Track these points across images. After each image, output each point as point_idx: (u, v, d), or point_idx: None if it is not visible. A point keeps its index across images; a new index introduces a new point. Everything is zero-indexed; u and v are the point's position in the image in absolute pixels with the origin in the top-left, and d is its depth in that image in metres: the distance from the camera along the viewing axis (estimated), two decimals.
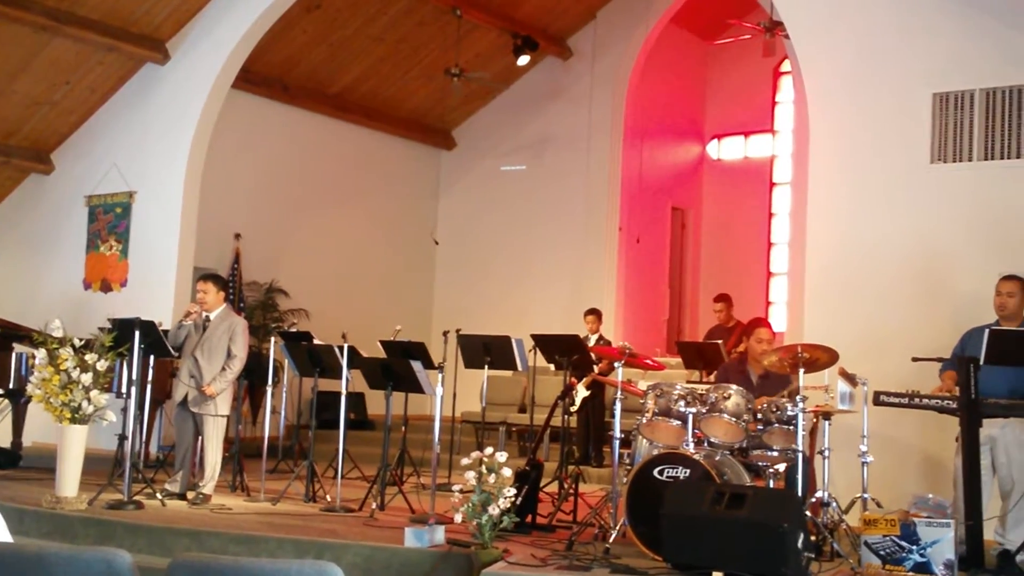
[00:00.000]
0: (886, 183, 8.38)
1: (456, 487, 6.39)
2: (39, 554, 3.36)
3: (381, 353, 9.18)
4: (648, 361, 7.80)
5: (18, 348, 9.97)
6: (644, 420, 6.85)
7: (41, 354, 7.81)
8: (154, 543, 6.86)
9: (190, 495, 8.18)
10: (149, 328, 8.06)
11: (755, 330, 7.51)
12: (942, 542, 5.87)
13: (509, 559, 6.07)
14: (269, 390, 9.13)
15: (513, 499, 6.21)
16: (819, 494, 6.67)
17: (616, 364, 7.23)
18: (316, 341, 9.69)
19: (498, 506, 6.09)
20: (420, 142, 15.80)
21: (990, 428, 6.54)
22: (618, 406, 6.99)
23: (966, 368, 6.38)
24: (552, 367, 9.47)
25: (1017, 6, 8.13)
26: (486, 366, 9.12)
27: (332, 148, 14.57)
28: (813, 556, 6.00)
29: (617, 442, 6.98)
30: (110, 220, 12.37)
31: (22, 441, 10.14)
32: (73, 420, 7.64)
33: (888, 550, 5.96)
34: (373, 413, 13.30)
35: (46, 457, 9.01)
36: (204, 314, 8.38)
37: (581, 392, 10.63)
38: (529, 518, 7.27)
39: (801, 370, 6.56)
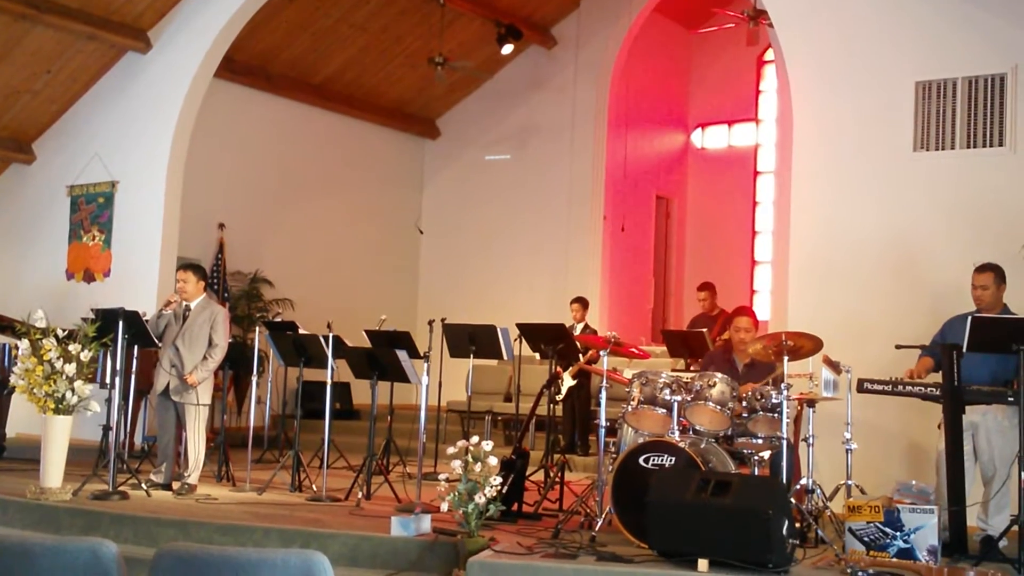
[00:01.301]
0: (869, 171, 8.41)
1: (442, 476, 6.39)
2: (24, 545, 3.35)
3: (366, 342, 9.17)
4: (633, 349, 7.80)
5: (1, 339, 9.91)
6: (629, 408, 6.86)
7: (24, 344, 7.77)
8: (140, 533, 6.84)
9: (175, 485, 8.17)
10: (133, 318, 8.02)
11: (735, 319, 7.54)
12: (925, 528, 5.90)
13: (495, 547, 6.08)
14: (254, 380, 9.11)
15: (499, 488, 6.21)
16: (803, 481, 6.70)
17: (601, 352, 7.24)
18: (301, 331, 9.68)
19: (484, 495, 6.09)
20: (404, 131, 15.78)
21: (972, 414, 6.59)
22: (603, 394, 6.99)
23: (949, 355, 6.42)
24: (537, 356, 9.48)
25: None
26: (471, 355, 9.13)
27: (316, 137, 14.53)
28: (798, 543, 6.02)
29: (603, 430, 6.98)
30: (92, 210, 12.31)
31: (6, 432, 10.09)
32: (57, 411, 7.61)
33: (872, 536, 5.99)
34: (359, 402, 13.28)
35: (30, 448, 8.98)
36: (184, 303, 8.35)
37: (567, 381, 10.64)
38: (515, 506, 7.28)
39: (785, 358, 6.59)
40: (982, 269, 6.86)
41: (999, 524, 6.49)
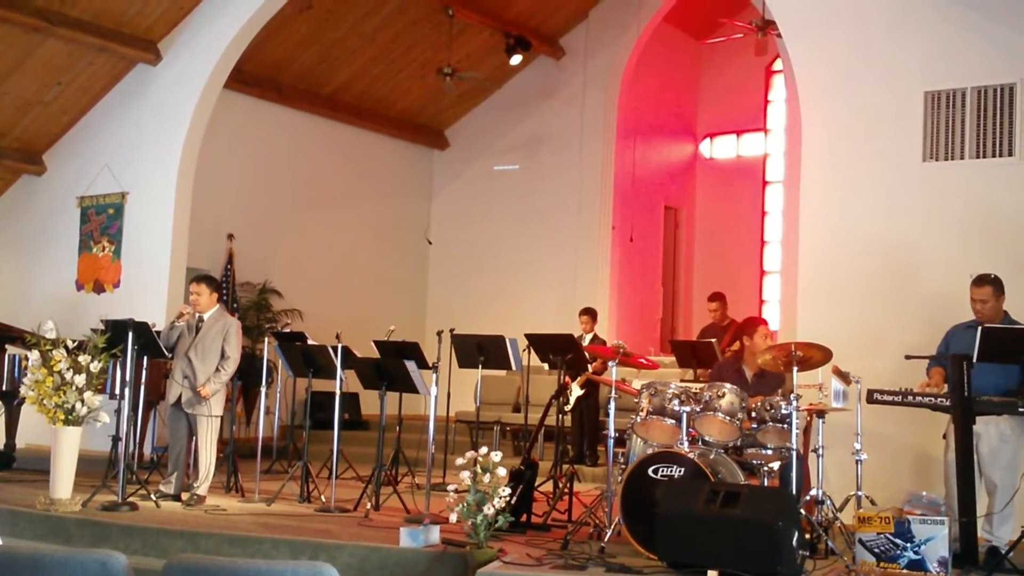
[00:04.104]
0: (878, 181, 8.40)
1: (451, 487, 6.38)
2: (34, 556, 3.36)
3: (375, 353, 9.17)
4: (642, 360, 7.80)
5: (11, 349, 9.94)
6: (638, 419, 6.85)
7: (34, 356, 7.79)
8: (149, 544, 6.85)
9: (184, 496, 8.17)
10: (142, 329, 8.05)
11: (758, 327, 7.53)
12: (936, 539, 5.88)
13: (504, 559, 6.07)
14: (263, 391, 9.13)
15: (508, 499, 6.21)
16: (813, 492, 6.68)
17: (610, 363, 7.23)
18: (310, 341, 9.67)
19: (493, 506, 6.08)
20: (413, 142, 15.81)
21: (975, 425, 6.54)
22: (612, 405, 6.99)
23: (959, 366, 6.39)
24: (546, 366, 9.48)
25: (1008, 4, 8.14)
26: (480, 366, 9.12)
27: (325, 148, 14.57)
28: (808, 554, 6.00)
29: (611, 441, 6.98)
30: (102, 221, 12.35)
31: (15, 443, 10.12)
32: (67, 422, 7.62)
33: (882, 547, 5.97)
34: (367, 413, 13.28)
35: (40, 459, 8.99)
36: (197, 315, 8.37)
37: (575, 391, 10.63)
38: (524, 517, 7.27)
39: (795, 368, 6.58)
40: (980, 283, 6.77)
41: (1004, 535, 6.47)
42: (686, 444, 6.54)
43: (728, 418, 6.57)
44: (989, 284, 6.76)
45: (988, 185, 8.04)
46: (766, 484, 6.63)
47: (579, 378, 10.47)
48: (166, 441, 8.71)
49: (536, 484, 7.73)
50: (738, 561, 5.55)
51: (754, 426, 6.70)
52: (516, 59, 14.14)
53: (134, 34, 11.82)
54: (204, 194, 12.15)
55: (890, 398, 6.64)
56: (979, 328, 6.39)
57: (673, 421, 6.67)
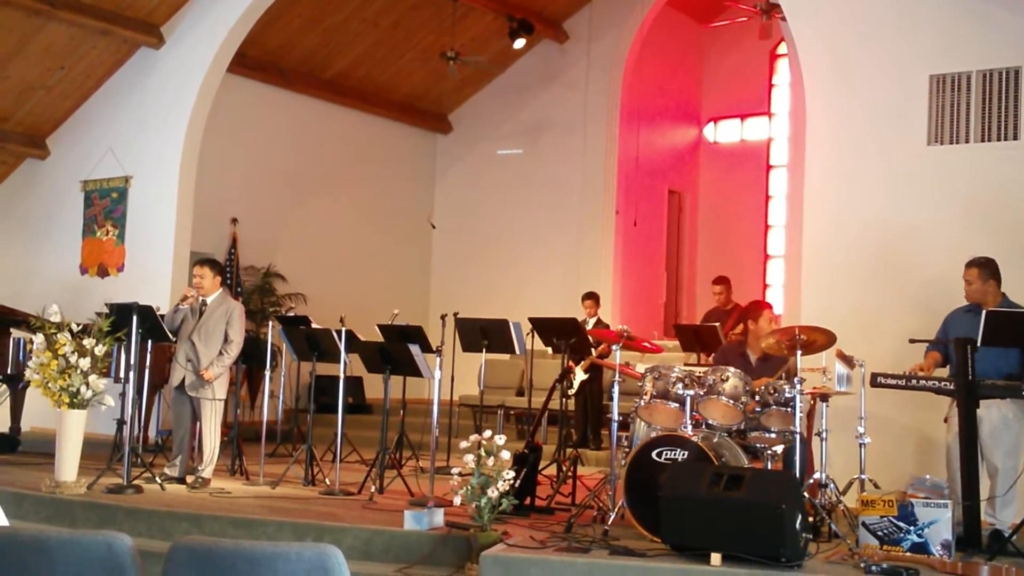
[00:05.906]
0: (883, 165, 8.38)
1: (455, 470, 6.39)
2: (39, 538, 3.36)
3: (379, 337, 9.18)
4: (646, 344, 7.80)
5: (16, 333, 9.96)
6: (642, 403, 6.86)
7: (39, 339, 7.81)
8: (154, 527, 6.88)
9: (189, 479, 8.20)
10: (147, 313, 8.06)
11: (764, 311, 7.52)
12: (939, 522, 5.89)
13: (508, 541, 6.09)
14: (267, 374, 9.13)
15: (512, 482, 6.22)
16: (817, 475, 6.69)
17: (614, 347, 7.23)
18: (314, 325, 9.68)
19: (497, 489, 6.09)
20: (416, 126, 15.78)
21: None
22: (616, 389, 6.99)
23: (963, 349, 6.39)
24: (550, 350, 9.48)
25: None
26: (484, 349, 9.13)
27: (328, 132, 14.55)
28: (811, 537, 6.00)
29: (615, 425, 6.98)
30: (106, 205, 12.35)
31: (21, 426, 10.14)
32: (71, 405, 7.64)
33: (886, 531, 5.98)
34: (371, 397, 13.31)
35: (45, 442, 9.02)
36: (201, 298, 8.38)
37: (579, 375, 10.64)
38: (528, 501, 7.29)
39: (799, 352, 6.58)
40: (968, 264, 6.88)
41: (1007, 518, 6.48)
42: (690, 427, 6.55)
43: (732, 401, 6.57)
44: (975, 266, 6.83)
45: (993, 169, 8.03)
46: (770, 467, 6.63)
47: (583, 362, 10.48)
48: (171, 424, 8.73)
49: (540, 467, 7.75)
50: (741, 544, 5.56)
51: (758, 409, 6.69)
52: (519, 43, 14.08)
53: (137, 17, 11.79)
54: (208, 178, 12.14)
55: (894, 382, 6.65)
56: (983, 312, 6.38)
57: (677, 405, 6.67)
